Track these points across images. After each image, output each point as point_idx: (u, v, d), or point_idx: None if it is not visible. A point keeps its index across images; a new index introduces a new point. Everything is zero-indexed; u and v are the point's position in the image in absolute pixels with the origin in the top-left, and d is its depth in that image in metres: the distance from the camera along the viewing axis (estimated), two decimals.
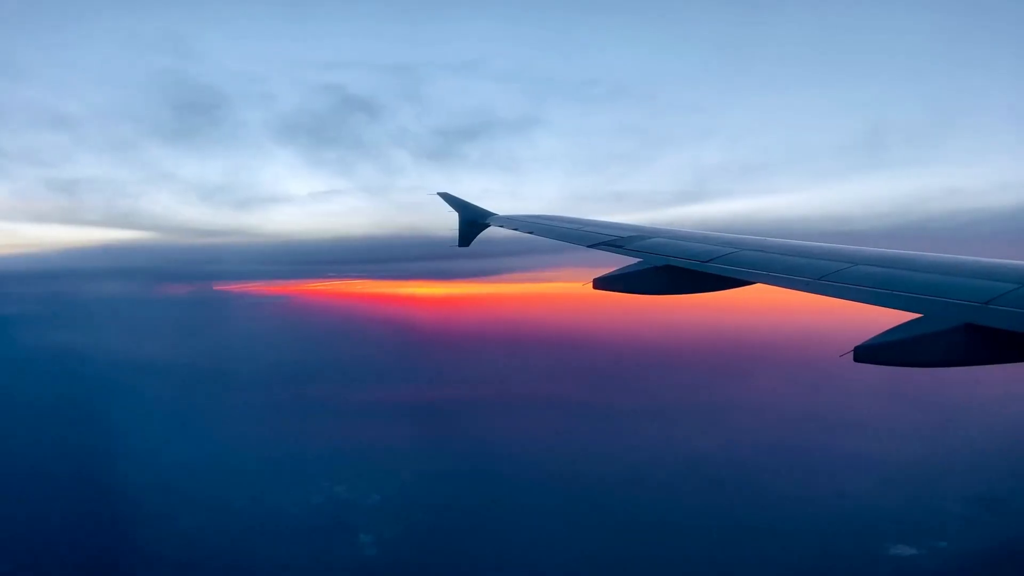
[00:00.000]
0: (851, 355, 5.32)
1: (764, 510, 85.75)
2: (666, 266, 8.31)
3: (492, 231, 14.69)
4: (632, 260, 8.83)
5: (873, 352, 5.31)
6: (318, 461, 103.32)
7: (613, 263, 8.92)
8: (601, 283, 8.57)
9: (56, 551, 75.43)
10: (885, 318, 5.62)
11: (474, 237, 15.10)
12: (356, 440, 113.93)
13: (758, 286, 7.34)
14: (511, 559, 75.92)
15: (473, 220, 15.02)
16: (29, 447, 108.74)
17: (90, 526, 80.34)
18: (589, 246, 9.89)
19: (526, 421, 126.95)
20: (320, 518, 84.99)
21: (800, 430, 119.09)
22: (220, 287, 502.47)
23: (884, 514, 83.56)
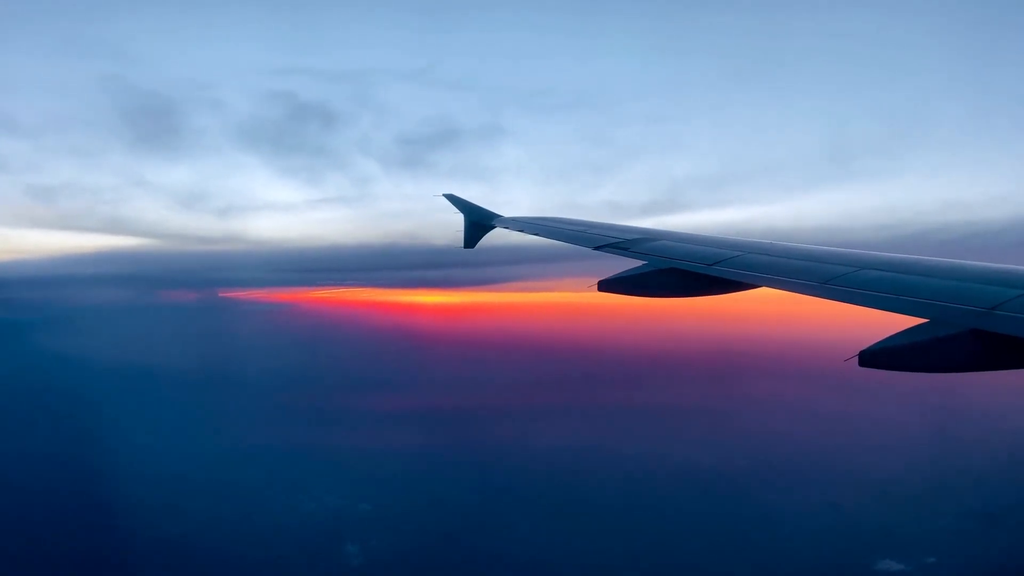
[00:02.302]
0: (856, 360, 5.30)
1: (754, 519, 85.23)
2: (671, 268, 8.29)
3: (497, 232, 14.67)
4: (637, 263, 8.81)
5: (878, 357, 5.30)
6: (315, 468, 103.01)
7: (616, 268, 8.90)
8: (606, 285, 8.56)
9: (49, 555, 75.85)
10: (891, 322, 5.61)
11: (479, 239, 15.07)
12: (354, 448, 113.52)
13: (763, 289, 7.33)
14: (503, 571, 75.46)
15: (479, 222, 14.98)
16: (44, 446, 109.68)
17: (79, 532, 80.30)
18: (595, 248, 9.87)
19: (525, 429, 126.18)
20: (309, 526, 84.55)
21: (800, 437, 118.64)
22: (225, 294, 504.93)
23: (876, 526, 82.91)
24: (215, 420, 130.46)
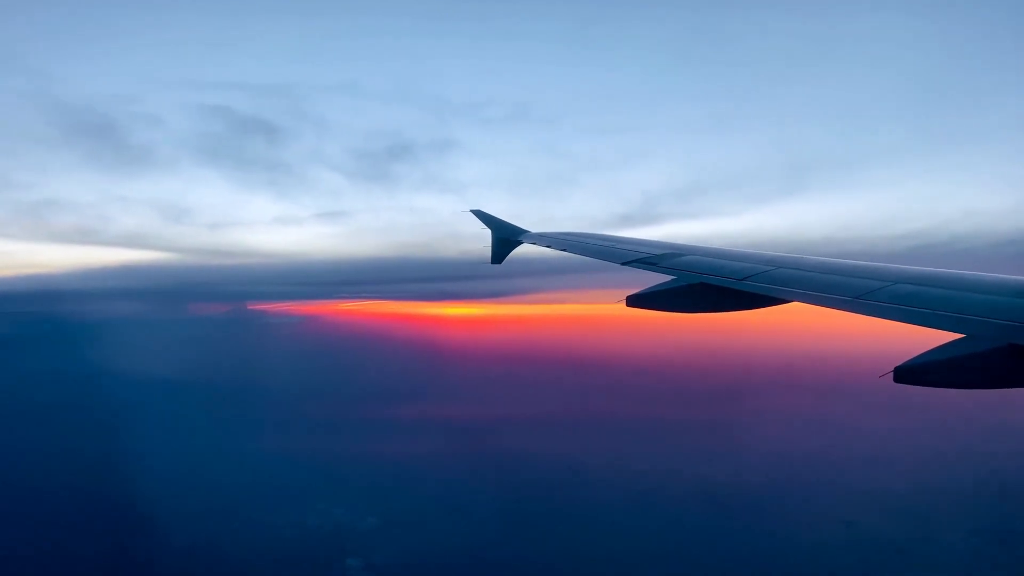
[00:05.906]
0: (891, 376, 5.21)
1: (769, 535, 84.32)
2: (700, 284, 8.24)
3: (522, 246, 14.70)
4: (665, 278, 8.76)
5: (914, 373, 5.20)
6: (325, 481, 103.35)
7: (644, 283, 8.85)
8: (635, 301, 8.51)
9: (53, 561, 77.28)
10: (926, 338, 5.51)
11: (507, 254, 15.10)
12: (365, 461, 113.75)
13: (794, 304, 7.25)
14: None
15: (506, 237, 15.02)
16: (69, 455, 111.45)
17: (85, 542, 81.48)
18: (623, 263, 9.84)
19: (541, 443, 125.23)
20: (312, 540, 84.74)
21: (827, 452, 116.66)
22: (254, 306, 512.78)
23: (891, 545, 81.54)
24: (251, 431, 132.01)
